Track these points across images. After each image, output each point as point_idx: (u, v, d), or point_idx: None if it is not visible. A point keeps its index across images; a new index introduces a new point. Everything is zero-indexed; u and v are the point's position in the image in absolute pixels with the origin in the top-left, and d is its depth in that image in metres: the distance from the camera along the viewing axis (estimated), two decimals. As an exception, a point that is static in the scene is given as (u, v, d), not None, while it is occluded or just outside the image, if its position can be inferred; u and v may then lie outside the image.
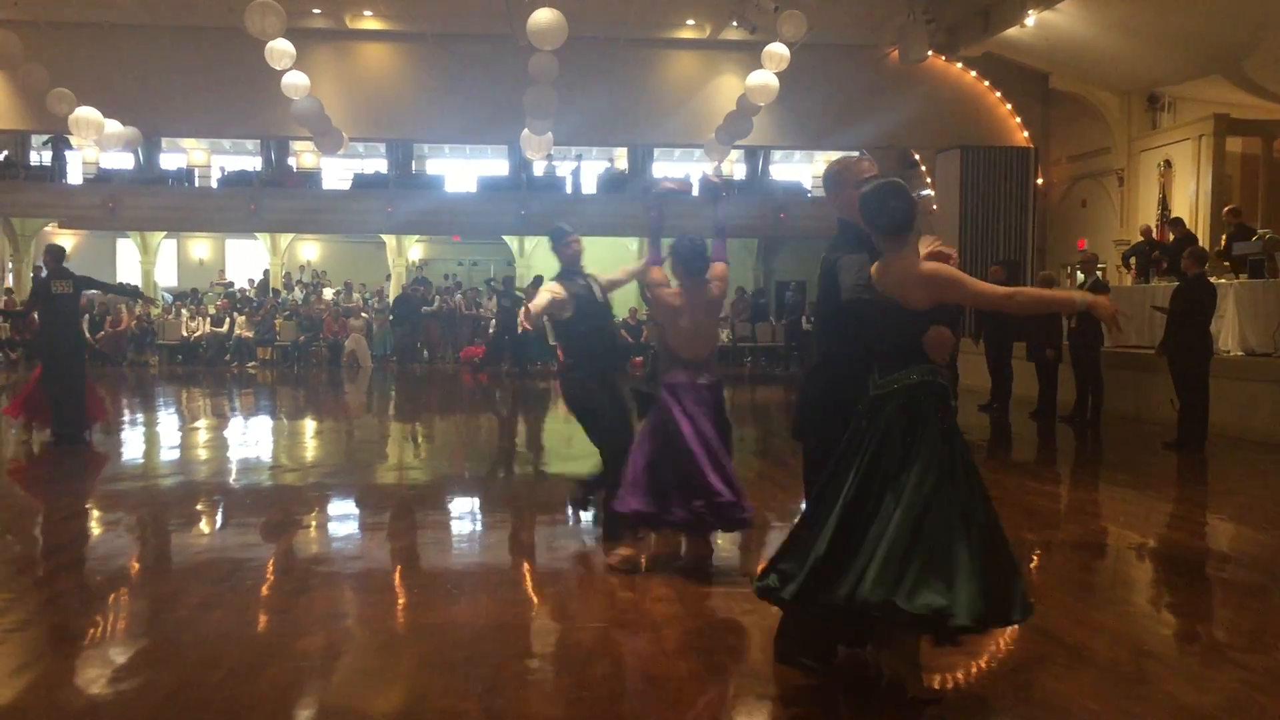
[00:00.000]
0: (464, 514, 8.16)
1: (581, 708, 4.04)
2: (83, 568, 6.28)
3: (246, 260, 32.03)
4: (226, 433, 13.09)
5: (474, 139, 27.27)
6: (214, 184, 28.21)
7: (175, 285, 31.16)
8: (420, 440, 12.94)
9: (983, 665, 4.55)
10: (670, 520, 5.68)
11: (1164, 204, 19.35)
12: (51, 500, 8.63)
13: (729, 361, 24.74)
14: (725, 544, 6.42)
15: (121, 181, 26.54)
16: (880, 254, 4.12)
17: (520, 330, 23.83)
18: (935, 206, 23.43)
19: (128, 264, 31.45)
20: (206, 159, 30.52)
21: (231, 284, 29.09)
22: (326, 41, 22.05)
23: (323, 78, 20.47)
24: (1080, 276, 14.12)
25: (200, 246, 32.72)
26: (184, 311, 26.36)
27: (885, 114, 22.06)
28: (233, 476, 9.78)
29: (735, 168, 30.21)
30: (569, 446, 10.94)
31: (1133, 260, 17.10)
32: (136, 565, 6.32)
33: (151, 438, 12.70)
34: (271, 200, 26.60)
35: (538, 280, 25.33)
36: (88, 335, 18.96)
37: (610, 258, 19.34)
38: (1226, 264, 14.61)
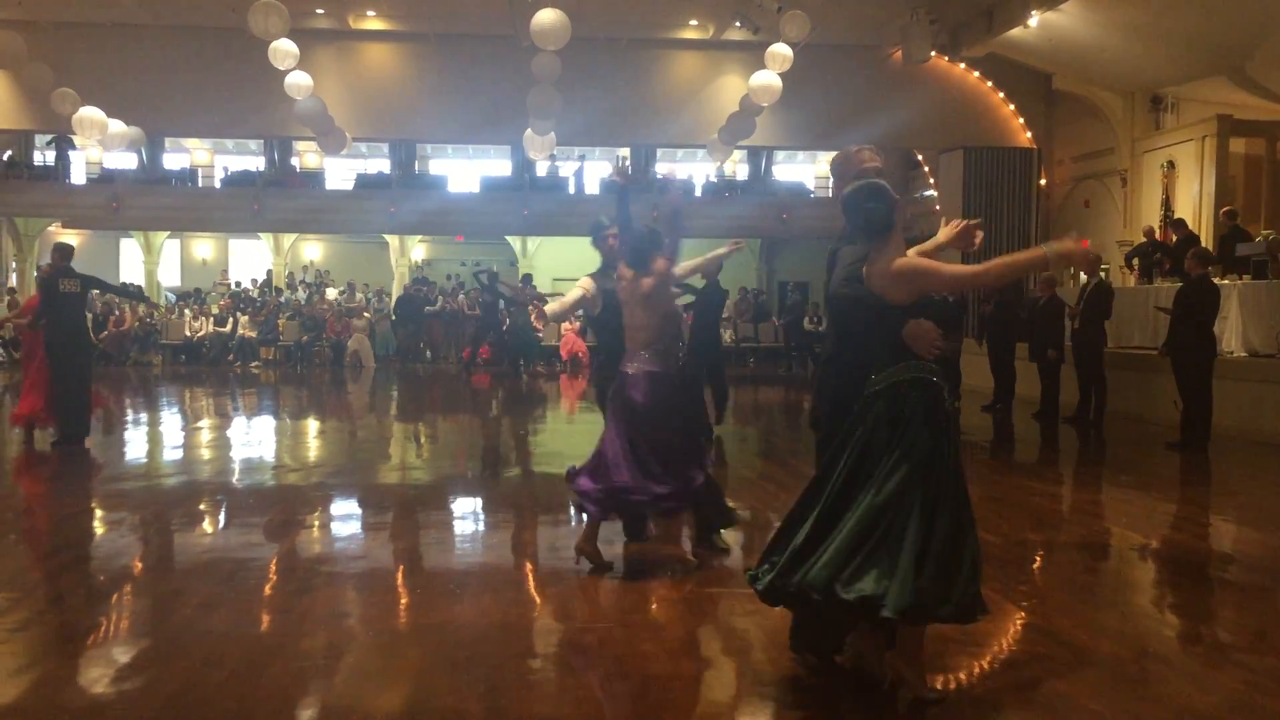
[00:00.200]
0: (466, 514, 8.16)
1: (584, 708, 4.04)
2: (86, 567, 6.29)
3: (250, 260, 32.06)
4: (229, 433, 13.10)
5: (477, 139, 27.27)
6: (217, 184, 28.27)
7: (178, 285, 31.20)
8: (423, 440, 12.95)
9: (985, 665, 4.55)
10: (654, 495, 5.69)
11: (1167, 205, 19.31)
12: (55, 499, 8.65)
13: (731, 362, 24.73)
14: (730, 544, 6.41)
15: (125, 181, 26.58)
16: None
17: (504, 328, 23.91)
18: (938, 207, 23.44)
19: (131, 264, 31.49)
20: (210, 159, 30.56)
21: (239, 284, 29.13)
22: (329, 42, 22.06)
23: (326, 78, 20.47)
24: (1083, 277, 14.10)
25: (203, 246, 32.76)
26: (187, 311, 26.38)
27: (888, 114, 22.02)
28: (236, 476, 9.79)
29: (738, 168, 30.22)
30: (572, 445, 10.93)
31: (1136, 261, 17.09)
32: (139, 565, 6.33)
33: (155, 437, 12.72)
34: (274, 200, 26.64)
35: (527, 279, 25.37)
36: (91, 335, 18.94)
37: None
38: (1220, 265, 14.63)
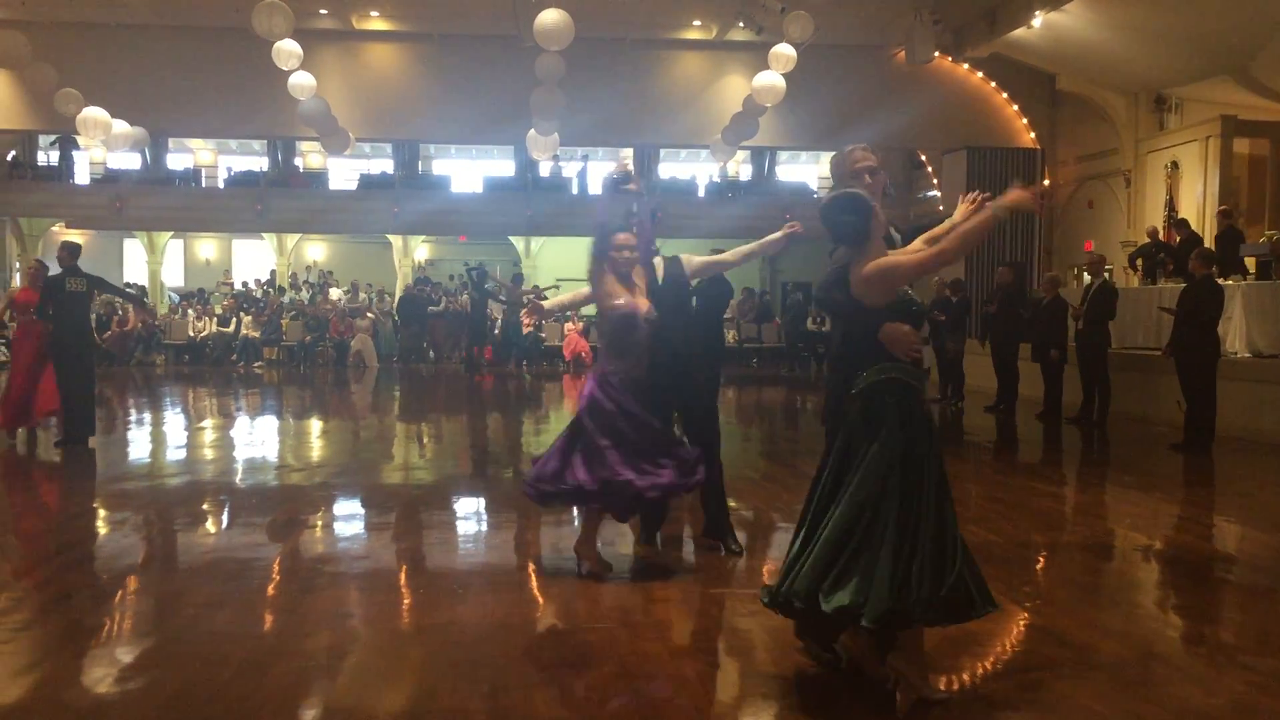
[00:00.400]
0: (470, 514, 8.17)
1: (587, 708, 4.04)
2: (89, 567, 6.30)
3: (253, 260, 32.09)
4: (233, 432, 13.11)
5: (480, 139, 27.30)
6: (221, 184, 28.29)
7: (182, 285, 31.23)
8: (426, 440, 12.95)
9: (988, 666, 4.55)
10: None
11: (1171, 205, 19.30)
12: (58, 499, 8.66)
13: (735, 362, 24.73)
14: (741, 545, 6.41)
15: (128, 181, 26.61)
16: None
17: (492, 326, 23.90)
18: (941, 208, 23.43)
19: (134, 264, 31.52)
20: (213, 159, 30.58)
21: (246, 284, 29.16)
22: (333, 42, 22.08)
23: (329, 78, 20.50)
24: (1087, 278, 14.09)
25: (207, 246, 32.79)
26: (190, 311, 26.40)
27: (892, 115, 22.02)
28: (239, 476, 9.79)
29: (741, 169, 30.21)
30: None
31: (1139, 262, 17.08)
32: (143, 564, 6.33)
33: (158, 437, 12.74)
34: (278, 200, 26.66)
35: (518, 279, 25.37)
36: (95, 335, 18.94)
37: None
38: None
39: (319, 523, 7.57)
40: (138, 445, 12.10)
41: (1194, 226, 16.81)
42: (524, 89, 18.64)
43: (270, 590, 5.70)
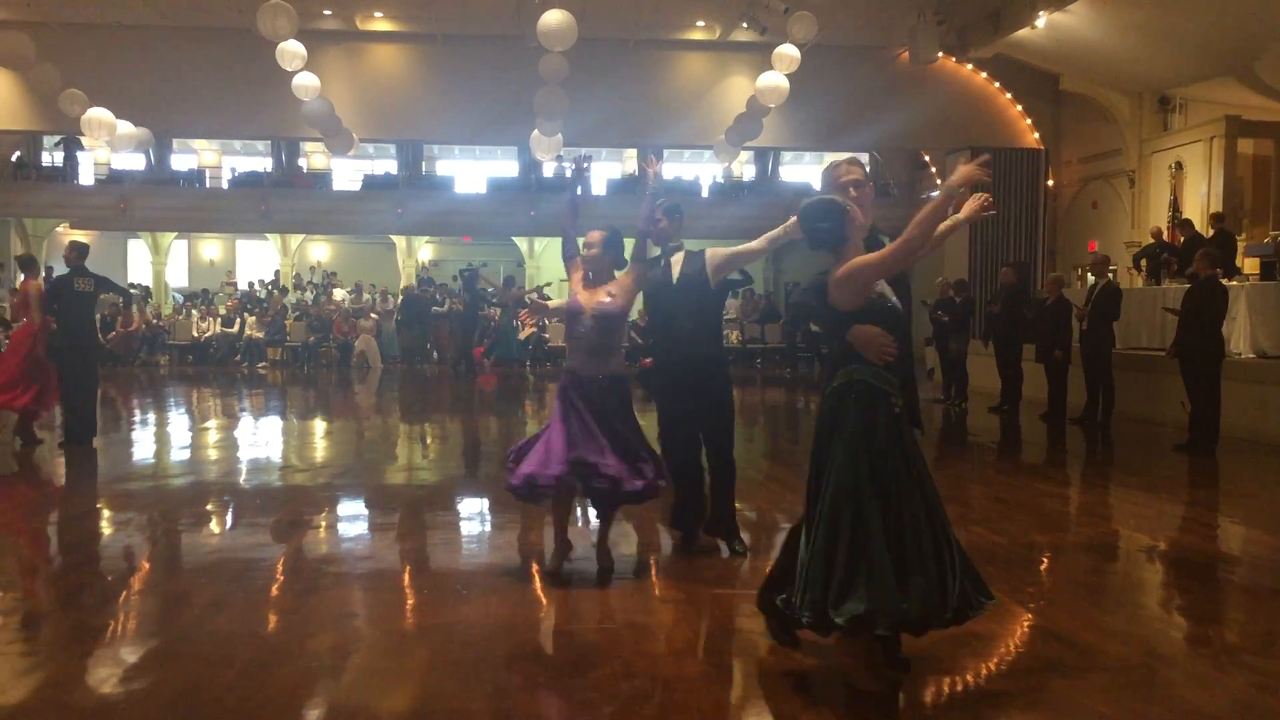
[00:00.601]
0: (473, 514, 8.17)
1: (591, 709, 4.04)
2: (94, 567, 6.30)
3: (257, 261, 32.12)
4: (237, 433, 13.12)
5: (484, 140, 27.33)
6: (225, 185, 28.33)
7: (186, 285, 31.27)
8: (429, 441, 12.96)
9: (992, 667, 4.55)
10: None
11: (1175, 206, 19.30)
12: (62, 500, 8.67)
13: (739, 363, 24.73)
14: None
15: (133, 182, 26.66)
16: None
17: (491, 327, 23.91)
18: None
19: (139, 264, 31.56)
20: (217, 160, 30.63)
21: (251, 285, 29.19)
22: (337, 43, 22.11)
23: (333, 79, 20.53)
24: (1091, 278, 14.08)
25: (211, 247, 32.83)
26: (194, 312, 26.43)
27: (895, 115, 22.04)
28: (243, 477, 9.80)
29: (745, 169, 30.21)
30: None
31: (1143, 262, 17.07)
32: (147, 565, 6.34)
33: (162, 438, 12.75)
34: (282, 201, 26.71)
35: (509, 281, 25.39)
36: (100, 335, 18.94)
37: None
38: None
39: (323, 523, 7.58)
40: (142, 446, 12.11)
41: (1198, 227, 16.80)
42: (527, 89, 18.66)
43: (274, 591, 5.70)
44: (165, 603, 5.46)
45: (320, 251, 32.93)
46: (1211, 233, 15.76)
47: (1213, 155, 18.57)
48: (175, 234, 30.33)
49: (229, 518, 7.90)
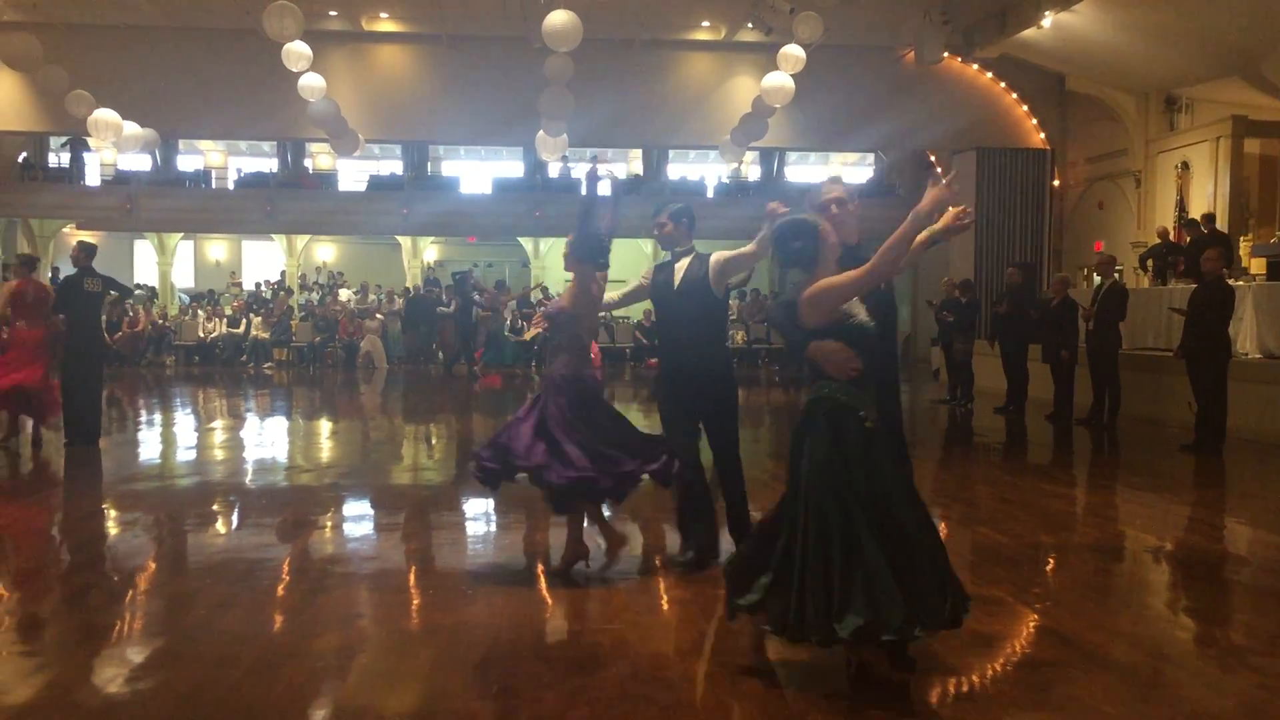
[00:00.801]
0: (479, 515, 8.17)
1: (596, 709, 4.04)
2: (100, 567, 6.32)
3: (263, 261, 32.17)
4: (242, 433, 13.14)
5: (489, 140, 27.34)
6: (231, 185, 28.38)
7: (192, 286, 31.33)
8: (435, 441, 12.97)
9: (998, 667, 4.54)
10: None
11: (1181, 206, 19.26)
12: (69, 500, 8.69)
13: (744, 361, 24.72)
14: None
15: (139, 183, 26.71)
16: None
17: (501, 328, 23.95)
18: (949, 208, 23.38)
19: (145, 265, 31.64)
20: (223, 160, 30.67)
21: (259, 285, 29.24)
22: (343, 43, 22.14)
23: (339, 80, 20.55)
24: (1097, 278, 14.05)
25: (217, 248, 32.89)
26: (200, 313, 26.48)
27: (901, 116, 22.03)
28: (249, 477, 9.82)
29: (750, 169, 30.20)
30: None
31: (1150, 262, 17.05)
32: (153, 565, 6.35)
33: (168, 438, 12.77)
34: (288, 202, 26.76)
35: (500, 285, 25.45)
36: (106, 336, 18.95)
37: (629, 259, 19.38)
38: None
39: (328, 523, 7.59)
40: (148, 446, 12.13)
41: (1201, 227, 16.77)
42: (533, 90, 18.66)
43: (280, 591, 5.71)
44: (171, 603, 5.47)
45: (326, 252, 32.97)
46: (1197, 235, 15.75)
47: (1219, 155, 18.54)
48: (181, 235, 30.39)
49: (235, 518, 7.91)
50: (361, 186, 28.62)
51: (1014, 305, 15.05)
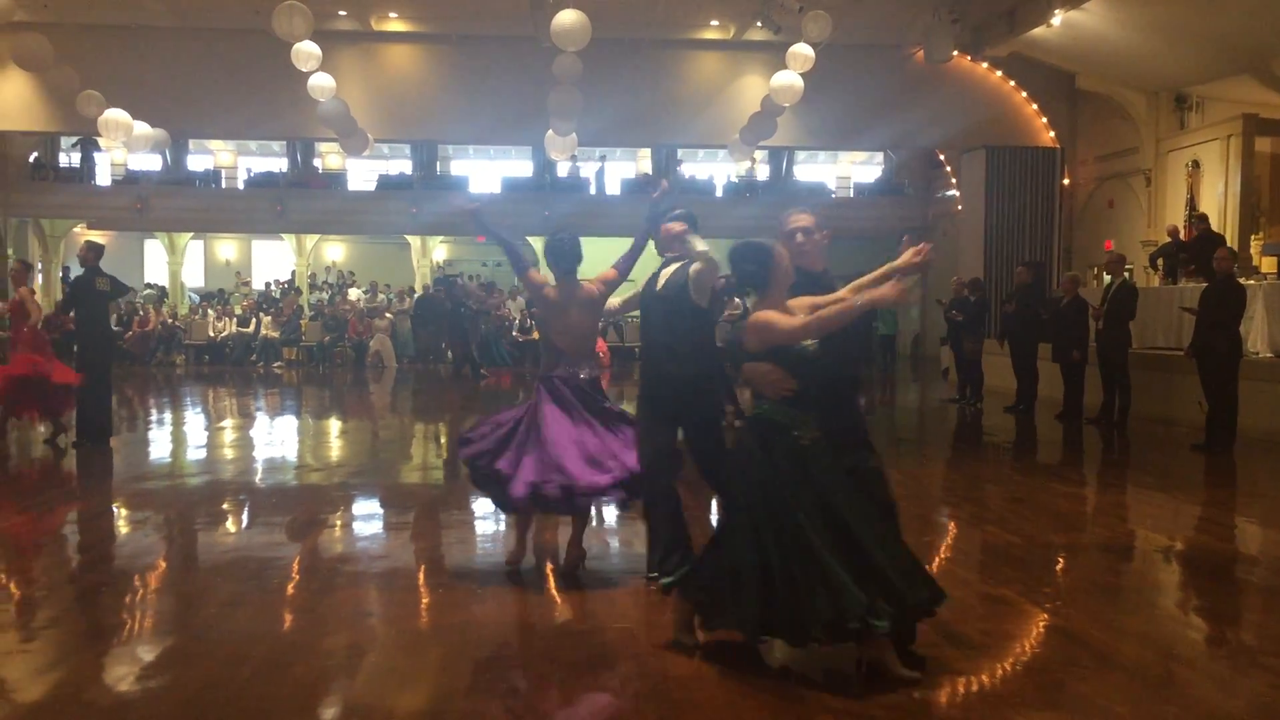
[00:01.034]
0: (488, 514, 8.15)
1: (605, 708, 4.04)
2: (111, 566, 6.34)
3: (272, 261, 32.23)
4: (252, 432, 13.17)
5: (498, 140, 27.35)
6: (240, 185, 28.45)
7: (202, 285, 31.41)
8: (444, 440, 12.98)
9: (1008, 667, 4.53)
10: (513, 494, 5.64)
11: (1192, 205, 19.19)
12: (79, 499, 8.71)
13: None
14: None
15: (149, 183, 26.79)
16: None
17: (510, 327, 23.98)
18: (959, 207, 23.32)
19: (155, 264, 31.72)
20: (233, 160, 30.74)
21: (267, 285, 29.30)
22: (352, 43, 22.17)
23: (348, 79, 20.57)
24: (1107, 278, 14.01)
25: (227, 247, 32.96)
26: (210, 312, 26.54)
27: (910, 114, 21.99)
28: (259, 476, 9.84)
29: (759, 168, 30.17)
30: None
31: (1160, 261, 16.99)
32: (164, 564, 6.37)
33: (178, 437, 12.80)
34: (297, 201, 26.81)
35: (489, 286, 25.46)
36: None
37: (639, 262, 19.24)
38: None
39: (338, 522, 7.60)
40: (158, 445, 12.17)
41: (1214, 226, 16.72)
42: (542, 89, 18.66)
43: (290, 589, 5.73)
44: (182, 601, 5.49)
45: (335, 251, 33.02)
46: (1195, 232, 15.71)
47: (1230, 154, 18.47)
48: (191, 234, 30.46)
49: (245, 517, 7.93)
50: (371, 186, 28.67)
51: (1023, 304, 15.01)
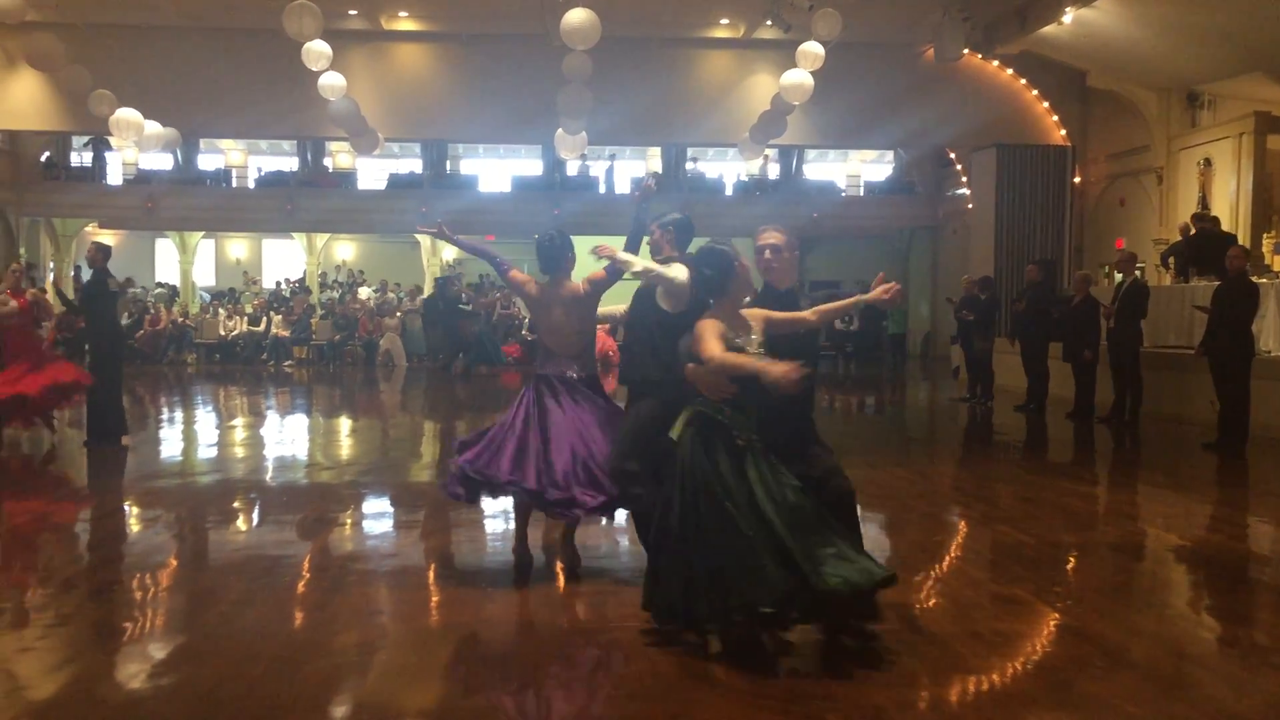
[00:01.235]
0: (497, 512, 8.15)
1: (616, 706, 4.04)
2: (122, 564, 6.35)
3: (283, 260, 32.31)
4: (263, 431, 13.20)
5: (508, 139, 27.36)
6: (251, 184, 28.53)
7: (213, 285, 31.49)
8: (454, 439, 12.98)
9: (1019, 666, 4.52)
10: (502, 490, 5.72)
11: (1204, 203, 19.12)
12: (91, 497, 8.74)
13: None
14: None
15: (160, 182, 26.88)
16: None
17: (518, 326, 23.99)
18: (970, 206, 23.24)
19: (167, 264, 31.82)
20: (244, 159, 30.83)
21: (278, 283, 29.36)
22: (362, 42, 22.18)
23: (359, 78, 20.58)
24: (1118, 276, 13.97)
25: (238, 246, 33.04)
26: (221, 311, 26.62)
27: (920, 113, 21.92)
28: (269, 474, 9.86)
29: (771, 167, 30.15)
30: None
31: (1171, 260, 16.92)
32: (174, 562, 6.39)
33: (189, 436, 12.84)
34: (308, 200, 26.88)
35: (480, 286, 25.46)
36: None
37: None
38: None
39: (348, 521, 7.62)
40: (169, 443, 12.20)
41: (1226, 224, 16.64)
42: (552, 88, 18.65)
43: (300, 588, 5.74)
44: (193, 599, 5.50)
45: (345, 250, 33.09)
46: (1193, 231, 15.64)
47: (1242, 152, 18.38)
48: (202, 233, 30.55)
49: (256, 515, 7.95)
50: (381, 185, 28.72)
51: (1034, 303, 14.97)
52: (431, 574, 6.07)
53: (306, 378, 21.72)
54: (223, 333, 25.86)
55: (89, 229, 28.76)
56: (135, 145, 21.95)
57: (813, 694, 4.12)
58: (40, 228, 28.39)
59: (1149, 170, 20.98)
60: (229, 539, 7.13)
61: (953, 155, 25.11)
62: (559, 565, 6.02)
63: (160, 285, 29.42)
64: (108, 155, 27.62)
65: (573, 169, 28.05)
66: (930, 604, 5.42)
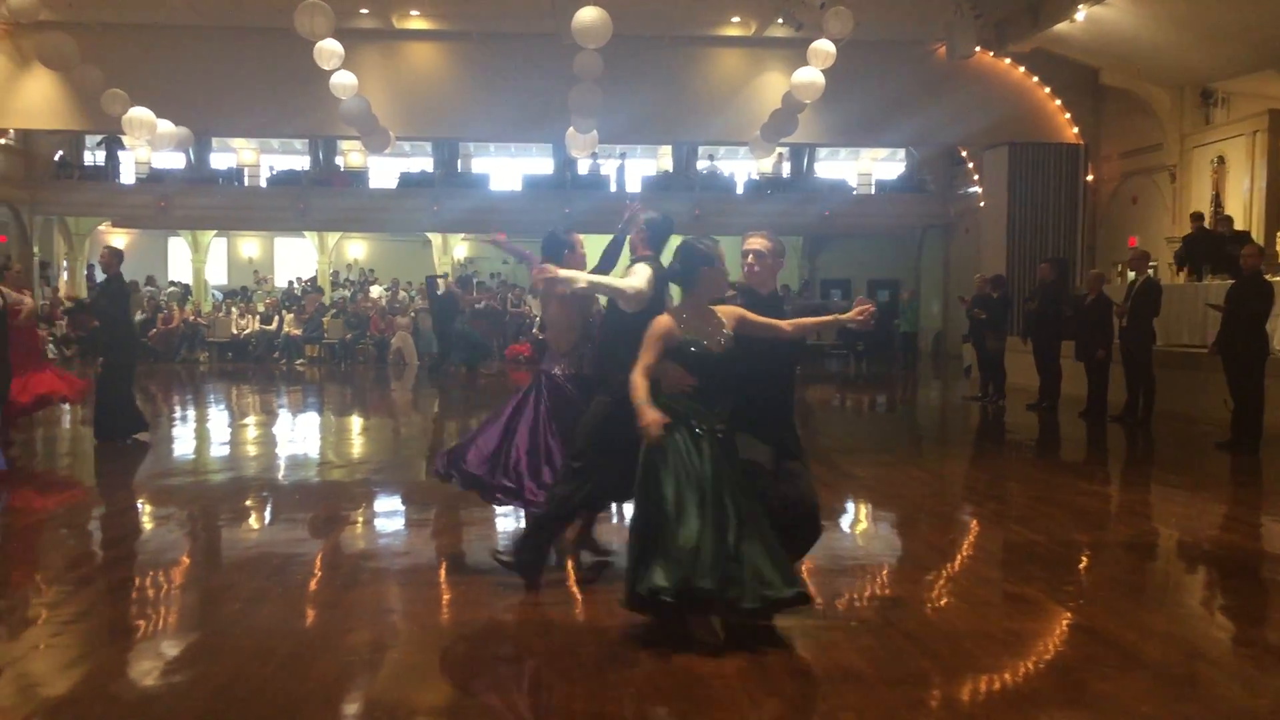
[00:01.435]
0: (508, 511, 8.17)
1: (627, 705, 4.04)
2: (135, 562, 6.38)
3: (295, 259, 32.39)
4: (275, 429, 13.23)
5: (519, 137, 27.39)
6: (263, 183, 28.61)
7: (225, 283, 31.60)
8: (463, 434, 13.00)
9: (1031, 666, 4.52)
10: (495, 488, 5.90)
11: (1217, 201, 19.04)
12: (104, 495, 8.78)
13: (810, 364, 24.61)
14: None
15: (173, 181, 26.98)
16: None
17: (529, 325, 24.03)
18: (982, 204, 23.16)
19: (179, 262, 31.94)
20: (256, 158, 30.93)
21: (291, 282, 29.44)
22: (374, 41, 22.23)
23: (370, 77, 20.63)
24: (1131, 275, 13.92)
25: (250, 245, 33.15)
26: (233, 309, 26.70)
27: (932, 111, 21.88)
28: (282, 473, 9.89)
29: (780, 165, 30.12)
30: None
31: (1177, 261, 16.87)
32: (188, 559, 6.41)
33: (202, 434, 12.88)
34: (319, 199, 26.95)
35: (464, 282, 25.49)
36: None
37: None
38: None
39: (360, 519, 7.63)
40: (182, 441, 12.23)
41: (1239, 222, 16.58)
42: (562, 87, 18.66)
43: (312, 586, 5.75)
44: (206, 597, 5.52)
45: (357, 249, 33.16)
46: (1191, 230, 15.60)
47: (1255, 149, 18.31)
48: (215, 232, 30.65)
49: (268, 513, 7.97)
50: (392, 184, 28.77)
51: (1046, 301, 14.93)
52: (443, 572, 6.08)
53: (318, 376, 21.76)
54: (235, 331, 25.93)
55: (102, 228, 28.90)
56: (148, 144, 22.01)
57: (825, 693, 4.12)
58: (54, 226, 28.52)
59: (1162, 168, 20.90)
60: (241, 537, 7.15)
61: (964, 153, 25.06)
62: (570, 563, 6.03)
63: (173, 284, 29.52)
64: (120, 154, 27.73)
65: (584, 167, 28.06)
66: (942, 603, 5.41)
